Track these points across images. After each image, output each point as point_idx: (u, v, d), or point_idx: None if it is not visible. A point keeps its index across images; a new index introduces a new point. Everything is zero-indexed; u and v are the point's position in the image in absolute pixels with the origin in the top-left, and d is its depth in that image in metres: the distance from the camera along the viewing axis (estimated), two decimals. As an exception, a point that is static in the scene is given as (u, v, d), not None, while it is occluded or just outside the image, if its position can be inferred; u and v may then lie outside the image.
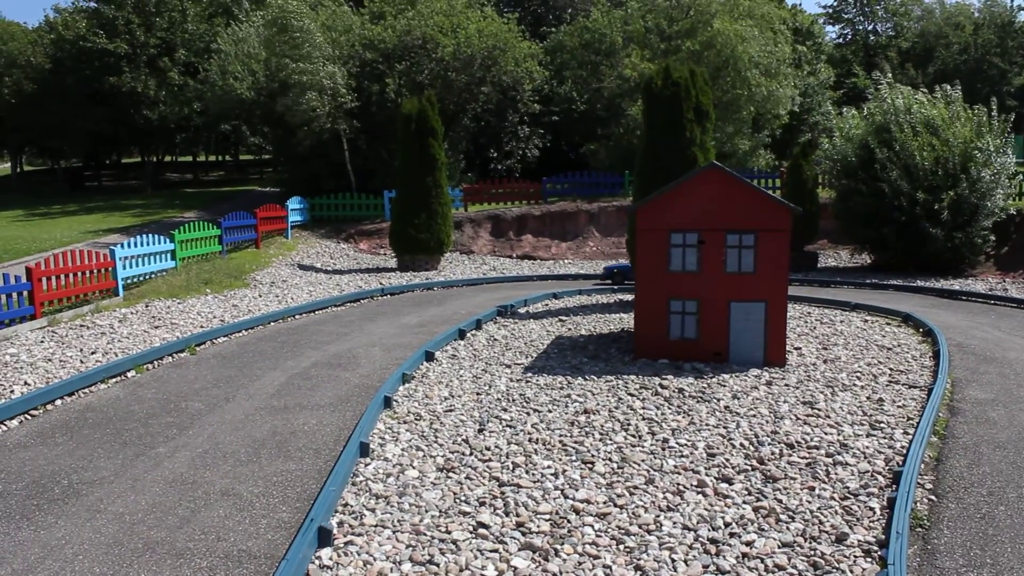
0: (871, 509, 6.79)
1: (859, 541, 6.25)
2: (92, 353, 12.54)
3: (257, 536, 6.40)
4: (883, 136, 22.80)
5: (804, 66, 39.68)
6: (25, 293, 14.57)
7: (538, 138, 37.30)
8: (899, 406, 9.59)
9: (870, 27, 57.12)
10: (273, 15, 29.49)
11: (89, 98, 40.62)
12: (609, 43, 36.74)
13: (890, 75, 25.70)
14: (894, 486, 7.12)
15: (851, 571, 5.84)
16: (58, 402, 10.00)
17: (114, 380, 11.05)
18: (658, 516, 6.72)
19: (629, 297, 17.89)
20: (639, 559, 6.03)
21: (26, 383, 10.78)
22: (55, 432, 8.93)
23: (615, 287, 20.29)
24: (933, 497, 7.04)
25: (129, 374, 11.36)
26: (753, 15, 32.95)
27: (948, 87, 24.13)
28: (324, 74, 28.50)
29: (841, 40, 57.15)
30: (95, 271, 16.77)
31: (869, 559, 6.01)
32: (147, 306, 16.54)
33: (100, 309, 16.06)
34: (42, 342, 13.30)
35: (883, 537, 6.27)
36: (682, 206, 11.69)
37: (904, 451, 7.99)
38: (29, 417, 9.46)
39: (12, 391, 10.40)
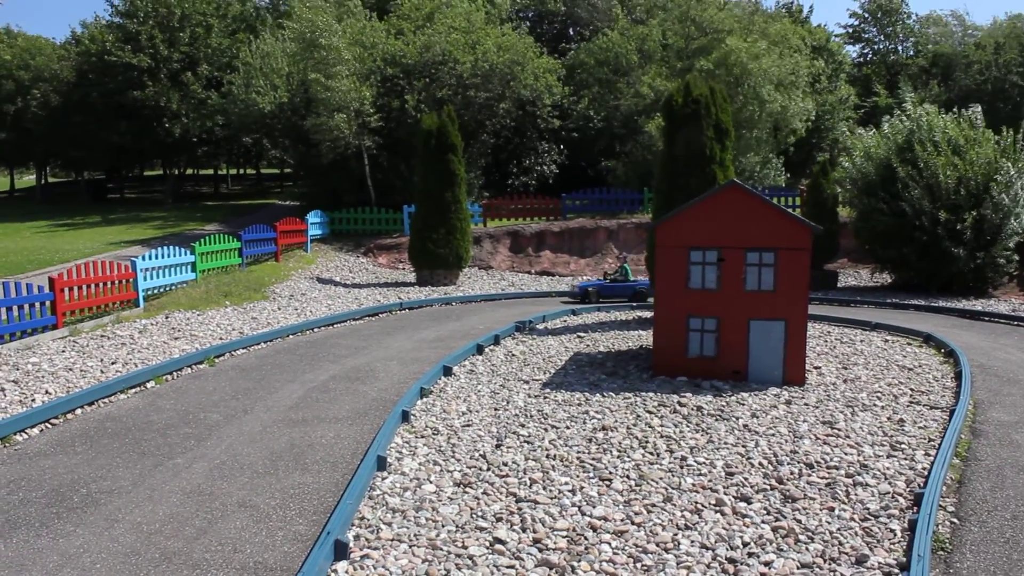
0: (892, 531, 6.71)
1: (879, 564, 6.17)
2: (112, 363, 12.63)
3: (273, 548, 6.40)
4: (905, 155, 22.71)
5: (823, 82, 39.62)
6: (47, 303, 14.70)
7: (556, 154, 37.36)
8: (920, 427, 9.50)
9: (890, 46, 56.97)
10: (301, 29, 29.70)
11: (113, 111, 41.11)
12: (625, 62, 36.86)
13: (911, 94, 25.54)
14: (915, 508, 7.04)
15: (871, 593, 5.77)
16: (78, 411, 10.07)
17: (133, 390, 11.11)
18: (676, 534, 6.67)
19: (648, 314, 17.85)
20: (656, 578, 5.98)
21: (47, 392, 10.86)
22: (75, 441, 8.98)
23: (633, 304, 20.22)
24: (955, 520, 6.95)
25: (148, 385, 11.42)
26: (767, 34, 32.99)
27: (968, 111, 24.01)
28: (353, 96, 28.64)
29: (861, 59, 57.01)
30: (116, 282, 16.90)
31: (890, 582, 5.94)
32: (167, 317, 16.64)
33: (121, 320, 16.18)
34: (63, 352, 13.40)
35: (904, 560, 6.20)
36: (702, 224, 11.66)
37: (925, 473, 7.90)
38: (50, 426, 9.53)
39: (34, 400, 10.49)
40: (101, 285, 16.40)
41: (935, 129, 22.93)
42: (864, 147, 24.52)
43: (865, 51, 57.76)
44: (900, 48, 56.75)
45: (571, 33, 46.87)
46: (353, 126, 29.03)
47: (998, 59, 45.49)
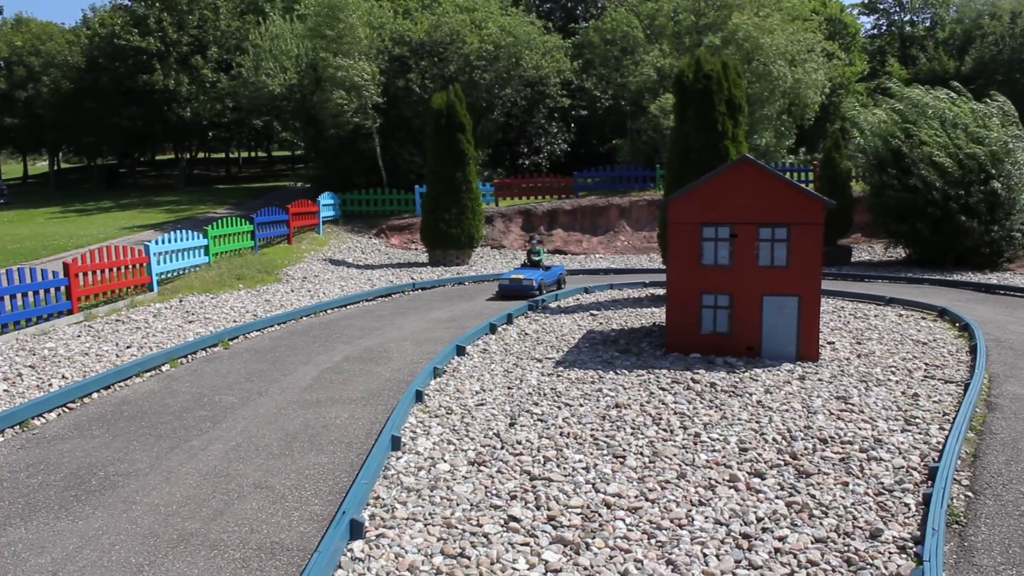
0: (906, 505, 6.71)
1: (894, 537, 6.18)
2: (127, 347, 12.71)
3: (290, 528, 6.45)
4: (910, 130, 22.57)
5: (836, 58, 39.24)
6: (63, 288, 14.80)
7: (566, 133, 37.19)
8: (935, 401, 9.46)
9: (906, 18, 56.30)
10: (319, 7, 29.58)
11: (123, 95, 41.17)
12: (632, 40, 36.58)
13: (896, 78, 25.20)
14: (930, 482, 7.03)
15: (886, 567, 5.77)
16: (95, 395, 10.16)
17: (149, 374, 11.19)
18: (690, 511, 6.69)
19: (661, 292, 17.81)
20: (670, 553, 6.00)
21: (64, 376, 10.95)
22: (92, 425, 9.06)
23: (645, 282, 20.15)
24: (970, 494, 6.94)
25: (163, 368, 11.50)
26: (781, 7, 32.58)
27: (949, 91, 23.85)
28: (356, 71, 28.54)
29: (876, 31, 56.37)
30: (130, 267, 16.99)
31: (904, 555, 5.94)
32: (181, 301, 16.73)
33: (135, 304, 16.27)
34: (79, 336, 13.50)
35: (919, 533, 6.20)
36: (714, 200, 11.60)
37: (940, 447, 7.88)
38: (67, 410, 9.61)
39: (51, 384, 10.58)
40: (115, 270, 16.48)
41: (928, 107, 22.80)
42: (870, 124, 24.29)
43: (880, 22, 57.09)
44: (917, 19, 56.05)
45: (579, 12, 46.52)
46: (354, 102, 28.89)
47: (1015, 29, 44.86)
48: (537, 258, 19.02)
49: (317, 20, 29.98)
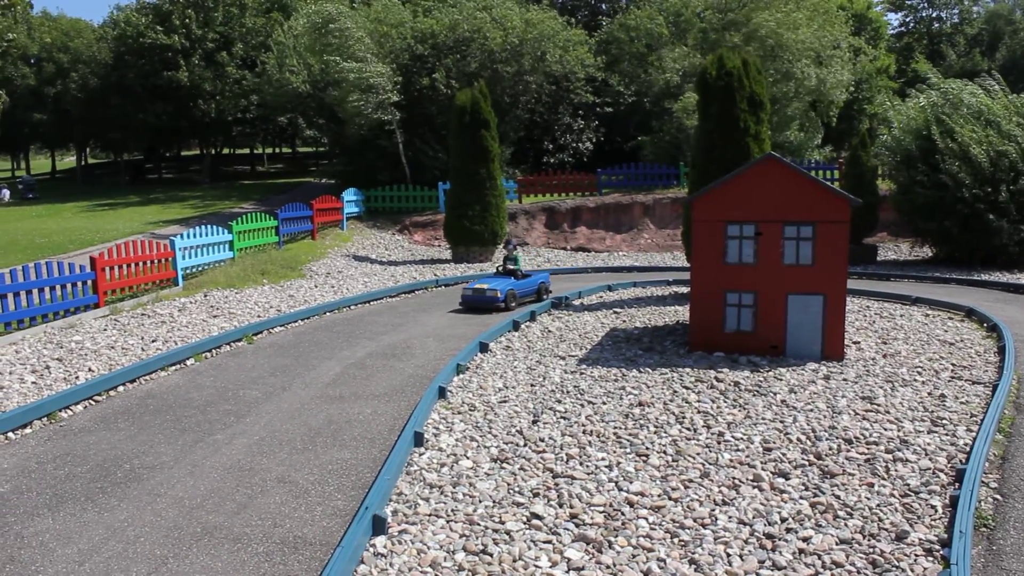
0: (933, 507, 6.63)
1: (920, 540, 6.11)
2: (153, 341, 12.81)
3: (312, 523, 6.47)
4: (943, 126, 22.31)
5: (863, 55, 38.87)
6: (89, 282, 14.94)
7: (591, 131, 37.08)
8: (962, 402, 9.35)
9: (934, 14, 55.64)
10: (315, 20, 29.75)
11: (149, 92, 41.44)
12: (657, 36, 36.39)
13: (933, 69, 24.94)
14: (957, 484, 6.94)
15: (912, 570, 5.71)
16: (120, 388, 10.25)
17: (174, 368, 11.28)
18: (713, 510, 6.65)
19: (684, 290, 17.73)
20: (693, 553, 5.97)
21: (90, 369, 11.06)
22: (118, 418, 9.14)
23: (668, 280, 20.06)
24: (998, 496, 6.85)
25: (188, 362, 11.58)
26: (806, 4, 32.26)
27: (990, 81, 23.53)
28: (369, 72, 28.54)
29: (903, 28, 55.78)
30: (156, 261, 17.12)
31: (931, 558, 5.88)
32: (205, 296, 16.84)
33: (160, 298, 16.40)
34: (105, 330, 13.62)
35: (946, 536, 6.12)
36: (738, 197, 11.53)
37: (967, 448, 7.79)
38: (93, 403, 9.71)
39: (77, 377, 10.69)
40: (141, 264, 16.62)
41: (963, 103, 22.52)
42: (901, 119, 24.04)
43: (908, 19, 56.47)
44: (944, 15, 55.37)
45: (604, 8, 46.35)
46: (371, 103, 28.88)
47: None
48: (513, 266, 16.91)
49: (313, 36, 30.03)
